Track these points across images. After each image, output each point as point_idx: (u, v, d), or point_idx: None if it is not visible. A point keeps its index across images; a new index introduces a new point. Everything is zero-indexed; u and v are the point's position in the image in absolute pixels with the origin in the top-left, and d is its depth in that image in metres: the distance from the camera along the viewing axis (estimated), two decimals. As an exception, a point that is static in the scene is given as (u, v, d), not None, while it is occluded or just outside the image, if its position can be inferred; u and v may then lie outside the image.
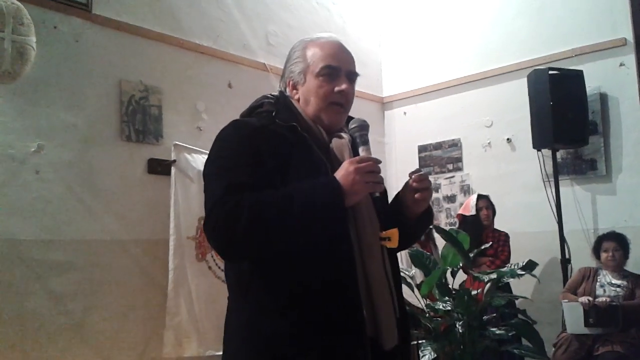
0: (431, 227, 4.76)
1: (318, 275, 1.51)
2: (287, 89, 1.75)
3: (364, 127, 1.67)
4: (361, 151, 1.62)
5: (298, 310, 1.50)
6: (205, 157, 4.13)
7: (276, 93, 1.77)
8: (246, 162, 1.53)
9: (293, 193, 1.47)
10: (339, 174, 1.50)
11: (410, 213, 1.73)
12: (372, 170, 1.51)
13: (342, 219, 1.50)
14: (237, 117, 1.76)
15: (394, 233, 1.61)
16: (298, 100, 1.71)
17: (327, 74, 1.66)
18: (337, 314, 1.51)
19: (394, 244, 1.61)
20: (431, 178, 1.89)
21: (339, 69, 1.68)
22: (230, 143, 1.59)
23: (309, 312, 1.50)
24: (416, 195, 1.67)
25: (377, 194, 1.58)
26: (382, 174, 1.56)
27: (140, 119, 3.93)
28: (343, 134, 1.73)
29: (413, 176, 1.68)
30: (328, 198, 1.47)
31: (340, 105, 1.69)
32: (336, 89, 1.66)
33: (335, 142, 1.69)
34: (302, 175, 1.53)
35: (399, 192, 1.75)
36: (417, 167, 5.69)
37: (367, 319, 1.55)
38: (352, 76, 1.72)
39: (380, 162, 1.55)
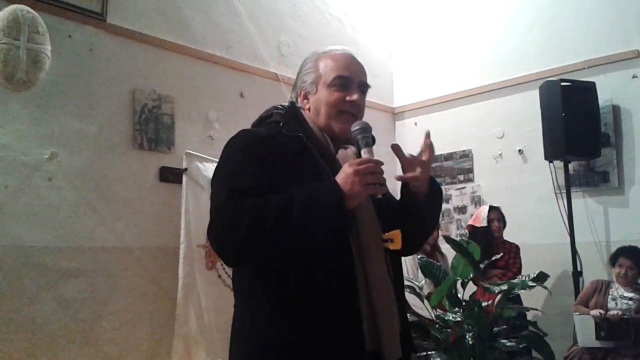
0: (438, 236, 4.76)
1: (317, 284, 1.50)
2: (299, 99, 1.75)
3: (366, 129, 1.62)
4: (363, 154, 1.57)
5: (297, 319, 1.50)
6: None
7: (286, 103, 1.78)
8: (250, 170, 1.54)
9: (292, 196, 1.45)
10: (339, 177, 1.49)
11: (417, 193, 1.68)
12: (373, 171, 1.48)
13: (342, 221, 1.48)
14: (249, 126, 1.78)
15: (396, 234, 1.58)
16: (309, 109, 1.72)
17: (339, 84, 1.67)
18: (335, 325, 1.50)
19: (397, 245, 1.58)
20: (442, 189, 1.86)
21: (350, 79, 1.68)
22: (236, 151, 1.61)
23: (307, 321, 1.50)
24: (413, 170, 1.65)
25: (380, 196, 1.55)
26: (390, 183, 1.56)
27: (152, 127, 3.96)
28: (350, 145, 1.74)
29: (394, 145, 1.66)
30: (327, 200, 1.44)
31: (351, 115, 1.68)
32: (347, 98, 1.66)
33: (341, 153, 1.71)
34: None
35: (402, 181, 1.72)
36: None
37: (369, 331, 1.53)
38: (363, 87, 1.72)
39: (382, 163, 1.51)
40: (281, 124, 1.66)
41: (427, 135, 1.68)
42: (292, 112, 1.73)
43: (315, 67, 1.72)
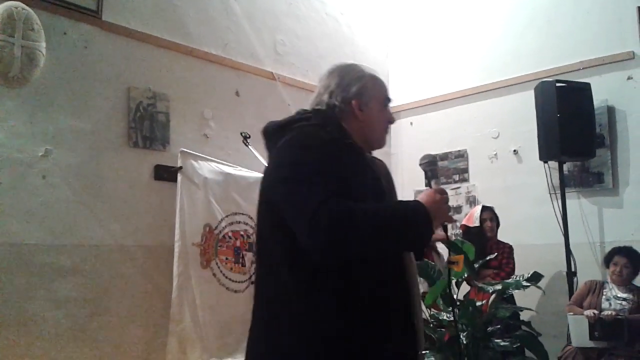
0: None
1: (381, 280, 1.61)
2: (349, 106, 1.76)
3: (433, 162, 1.87)
4: (433, 184, 1.79)
5: (361, 313, 1.56)
6: (212, 164, 4.09)
7: (321, 107, 1.79)
8: (332, 170, 1.57)
9: (394, 211, 1.59)
10: (425, 200, 1.64)
11: None
12: (448, 200, 1.71)
13: (429, 239, 1.64)
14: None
15: (461, 259, 1.83)
16: (361, 120, 1.77)
17: (388, 105, 1.87)
18: (397, 316, 1.64)
19: (459, 268, 1.86)
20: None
21: None
22: (315, 151, 1.59)
23: (373, 314, 1.57)
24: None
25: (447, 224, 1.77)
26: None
27: (147, 125, 3.95)
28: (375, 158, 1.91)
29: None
30: (424, 222, 1.59)
31: None
32: (390, 119, 1.88)
33: (378, 164, 1.87)
34: (366, 189, 1.62)
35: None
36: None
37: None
38: None
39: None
40: (328, 129, 1.68)
41: None
42: (334, 119, 1.75)
43: (371, 83, 1.81)
